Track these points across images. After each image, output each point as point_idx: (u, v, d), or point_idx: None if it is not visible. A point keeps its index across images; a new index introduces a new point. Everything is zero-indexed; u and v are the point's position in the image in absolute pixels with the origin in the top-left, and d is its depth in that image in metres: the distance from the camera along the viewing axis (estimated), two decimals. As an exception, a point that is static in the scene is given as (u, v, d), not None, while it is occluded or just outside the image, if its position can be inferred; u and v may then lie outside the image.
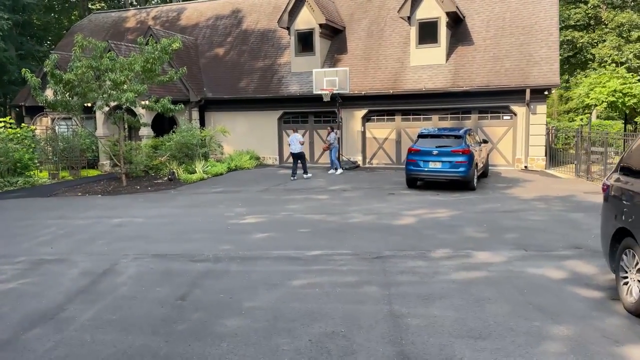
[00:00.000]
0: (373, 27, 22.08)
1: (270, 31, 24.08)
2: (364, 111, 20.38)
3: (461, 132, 14.55)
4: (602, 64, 27.52)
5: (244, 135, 21.94)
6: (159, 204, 13.19)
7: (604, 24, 29.11)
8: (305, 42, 21.46)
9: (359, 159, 20.59)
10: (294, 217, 11.08)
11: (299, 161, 17.05)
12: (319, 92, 18.90)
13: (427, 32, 19.53)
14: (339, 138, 19.59)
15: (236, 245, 8.50)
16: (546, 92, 17.82)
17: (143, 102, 16.41)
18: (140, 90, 14.91)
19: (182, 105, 16.52)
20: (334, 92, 18.60)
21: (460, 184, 14.21)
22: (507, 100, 18.24)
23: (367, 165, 20.68)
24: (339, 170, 17.99)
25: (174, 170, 17.78)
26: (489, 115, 18.89)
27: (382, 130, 20.47)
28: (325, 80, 18.74)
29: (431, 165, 13.99)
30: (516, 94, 17.92)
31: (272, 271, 6.91)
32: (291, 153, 17.21)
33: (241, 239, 8.96)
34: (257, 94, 21.60)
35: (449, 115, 19.42)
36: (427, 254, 7.62)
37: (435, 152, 13.93)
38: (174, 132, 20.44)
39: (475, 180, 14.15)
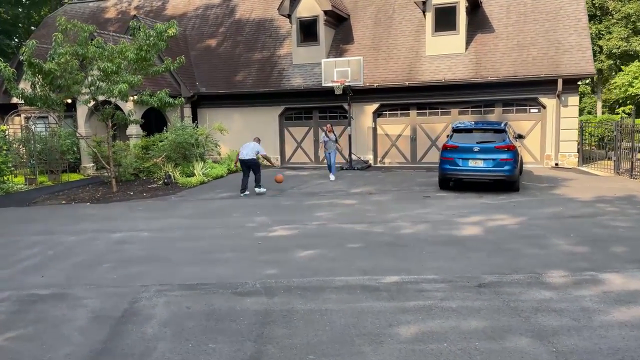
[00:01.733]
0: (380, 14, 20.39)
1: (266, 20, 22.19)
2: (375, 105, 18.68)
3: (502, 125, 12.97)
4: (611, 56, 26.41)
5: (241, 134, 19.89)
6: (162, 214, 11.24)
7: (610, 14, 28.04)
8: (308, 31, 19.64)
9: (369, 157, 18.88)
10: (330, 227, 9.30)
11: (253, 170, 13.30)
12: (329, 85, 17.14)
13: (445, 19, 17.94)
14: (350, 135, 17.87)
15: (282, 268, 6.68)
16: (579, 82, 16.39)
17: (134, 97, 14.38)
18: (135, 82, 12.91)
19: (182, 99, 14.52)
20: (346, 84, 16.84)
21: (503, 185, 12.62)
22: (535, 92, 16.77)
23: (378, 165, 18.99)
24: (332, 177, 15.25)
25: (170, 173, 15.78)
26: (515, 108, 17.39)
27: (395, 127, 18.80)
28: (336, 71, 16.98)
29: (471, 163, 12.36)
30: (546, 84, 16.45)
31: (355, 310, 5.12)
32: (240, 160, 13.39)
33: (284, 259, 7.14)
34: (256, 88, 19.71)
35: (470, 109, 17.86)
36: (541, 279, 5.93)
37: (476, 149, 12.29)
38: (165, 131, 18.46)
39: (519, 180, 12.58)
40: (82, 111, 18.31)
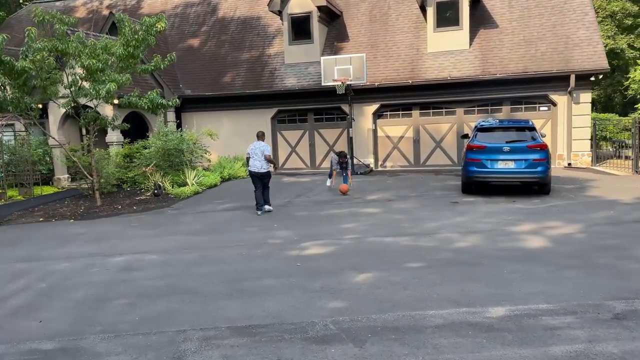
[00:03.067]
0: (375, 11, 19.35)
1: (253, 18, 20.85)
2: (375, 106, 17.57)
3: (530, 123, 12.01)
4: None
5: (230, 139, 18.54)
6: (164, 230, 9.77)
7: (596, 12, 27.78)
8: (300, 28, 18.40)
9: (370, 161, 17.74)
10: (370, 241, 8.07)
11: (264, 184, 10.94)
12: (330, 84, 15.94)
13: (447, 14, 17.02)
14: (351, 138, 16.71)
15: (347, 300, 5.41)
16: (592, 78, 15.68)
17: (120, 99, 12.81)
18: (123, 81, 11.39)
19: (177, 100, 13.02)
20: (348, 82, 15.67)
21: (533, 187, 11.66)
22: (545, 89, 15.97)
23: (379, 169, 17.87)
24: (328, 182, 13.80)
25: (160, 184, 14.23)
26: (523, 106, 16.56)
27: (396, 128, 17.73)
28: (337, 69, 15.80)
29: (500, 165, 11.34)
30: (557, 80, 15.68)
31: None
32: (251, 172, 10.95)
33: (341, 286, 5.87)
34: (246, 89, 18.34)
35: (476, 108, 16.95)
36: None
37: (506, 149, 11.28)
38: (147, 137, 16.91)
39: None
40: (55, 117, 16.54)
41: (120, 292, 6.17)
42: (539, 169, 11.15)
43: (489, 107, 16.84)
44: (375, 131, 17.81)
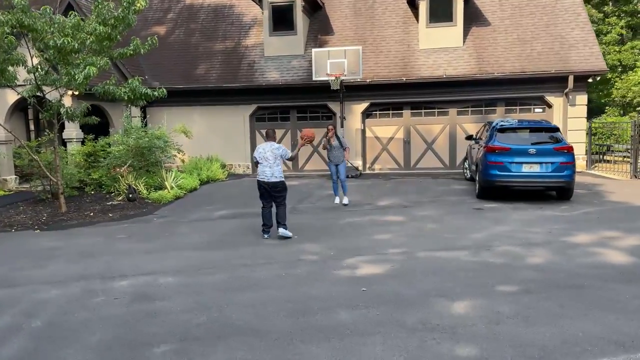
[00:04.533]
0: (359, 4, 18.31)
1: (225, 6, 19.26)
2: (364, 105, 16.49)
3: (552, 124, 11.32)
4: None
5: (203, 137, 16.89)
6: (161, 244, 8.19)
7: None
8: (282, 18, 17.03)
9: (358, 163, 16.63)
10: (425, 257, 6.93)
11: (276, 199, 8.32)
12: (323, 79, 14.71)
13: (440, 9, 16.23)
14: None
15: (477, 343, 4.23)
16: (590, 80, 15.35)
17: (95, 87, 10.97)
18: (101, 65, 9.62)
19: (164, 90, 11.27)
20: (343, 77, 14.50)
21: (559, 192, 10.96)
22: (542, 90, 15.49)
23: (367, 172, 16.80)
24: (338, 200, 11.18)
25: (134, 187, 12.45)
26: (518, 107, 16.02)
27: (386, 128, 16.73)
28: (329, 63, 14.59)
29: (525, 168, 10.53)
30: (554, 81, 15.23)
31: None
32: (260, 182, 8.27)
33: (449, 322, 4.68)
34: (222, 83, 16.73)
35: (469, 108, 16.25)
36: None
37: (532, 151, 10.49)
38: (110, 134, 15.06)
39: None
40: (1, 107, 14.31)
41: (153, 332, 4.67)
42: (565, 172, 10.44)
43: (483, 108, 16.18)
44: (364, 131, 16.73)
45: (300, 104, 16.82)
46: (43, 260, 7.44)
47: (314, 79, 14.92)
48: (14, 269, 7.04)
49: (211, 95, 17.03)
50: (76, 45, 9.20)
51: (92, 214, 10.96)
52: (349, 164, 15.93)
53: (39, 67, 9.70)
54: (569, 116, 15.42)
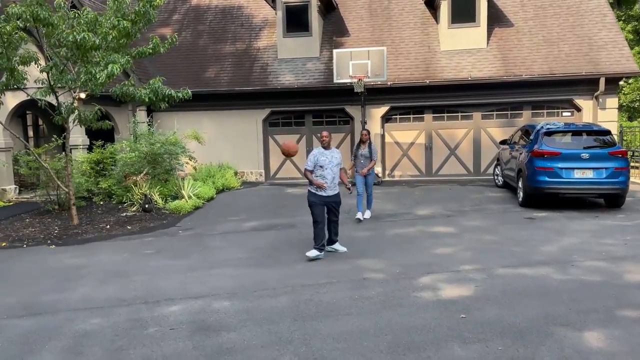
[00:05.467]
0: (375, 5, 17.63)
1: (233, 7, 18.47)
2: (384, 109, 15.75)
3: (602, 127, 10.68)
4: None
5: (213, 143, 15.96)
6: (199, 260, 7.33)
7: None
8: (296, 19, 16.27)
9: (378, 170, 15.81)
10: (509, 275, 6.18)
11: (334, 213, 7.40)
12: (345, 81, 13.96)
13: (463, 9, 15.58)
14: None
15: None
16: (621, 82, 14.78)
17: (112, 89, 10.09)
18: (123, 64, 8.75)
19: (189, 92, 10.41)
20: (367, 80, 13.77)
21: (611, 200, 10.30)
22: (570, 92, 14.88)
23: (387, 179, 16.03)
24: (360, 215, 9.76)
25: (150, 196, 11.54)
26: (545, 111, 15.39)
27: (406, 133, 16.00)
28: (352, 64, 13.84)
29: (577, 174, 9.84)
30: (583, 84, 14.63)
31: None
32: (321, 198, 7.18)
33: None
34: (234, 86, 15.89)
35: (494, 112, 15.58)
36: None
37: (585, 156, 9.81)
38: (116, 140, 14.18)
39: (624, 194, 10.34)
40: (3, 110, 13.33)
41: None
42: (620, 179, 9.78)
43: (509, 112, 15.53)
44: (383, 136, 15.98)
45: (316, 107, 16.04)
46: (69, 281, 6.53)
47: (335, 81, 14.15)
48: (38, 292, 6.13)
49: (222, 100, 16.17)
50: (97, 41, 8.32)
51: (107, 226, 10.04)
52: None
53: (53, 65, 8.77)
54: (599, 120, 14.80)
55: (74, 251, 8.22)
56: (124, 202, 12.11)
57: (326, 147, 7.28)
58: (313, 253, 7.10)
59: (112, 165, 13.08)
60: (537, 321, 4.64)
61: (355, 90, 13.78)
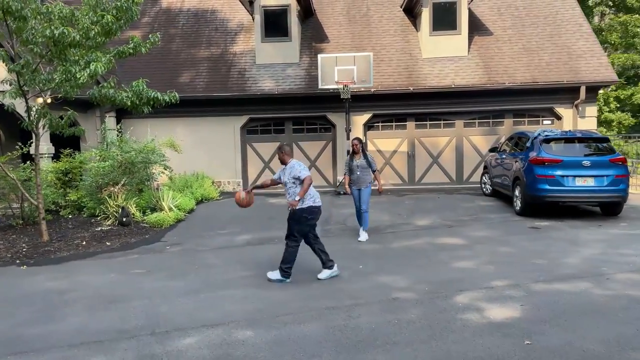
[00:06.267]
0: (353, 11, 17.30)
1: (206, 11, 17.73)
2: (366, 116, 15.35)
3: (600, 134, 10.59)
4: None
5: (188, 152, 15.01)
6: (199, 280, 6.61)
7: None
8: (275, 24, 15.69)
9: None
10: (549, 291, 5.79)
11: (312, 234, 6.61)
12: (330, 87, 13.52)
13: (444, 16, 15.44)
14: (348, 151, 14.24)
15: None
16: (601, 91, 14.95)
17: (90, 91, 9.19)
18: (105, 63, 7.93)
19: (177, 95, 9.59)
20: (354, 86, 13.34)
21: (608, 208, 10.19)
22: (552, 101, 14.93)
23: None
24: (363, 235, 8.78)
25: (127, 209, 10.63)
26: (526, 119, 15.38)
27: (389, 141, 15.64)
28: (337, 70, 13.40)
29: (579, 182, 9.67)
30: (564, 92, 14.71)
31: None
32: (311, 209, 6.42)
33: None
34: (212, 92, 15.13)
35: (476, 120, 15.46)
36: None
37: (586, 163, 9.66)
38: (82, 149, 13.20)
39: (620, 202, 10.26)
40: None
41: None
42: (621, 186, 9.68)
43: (491, 120, 15.44)
44: (365, 144, 15.53)
45: (297, 114, 15.47)
46: (55, 308, 5.68)
47: (320, 87, 13.65)
48: (20, 323, 5.27)
49: (198, 106, 15.34)
50: (77, 37, 7.47)
51: (83, 242, 9.10)
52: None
53: (25, 64, 7.83)
54: (579, 128, 14.89)
55: (50, 272, 7.30)
56: (97, 216, 11.13)
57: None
58: (275, 275, 6.41)
59: (81, 176, 12.06)
60: (611, 345, 4.22)
61: (342, 97, 13.32)
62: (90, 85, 9.62)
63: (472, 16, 16.25)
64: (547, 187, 9.75)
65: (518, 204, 10.52)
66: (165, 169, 12.57)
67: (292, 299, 5.71)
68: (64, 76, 7.69)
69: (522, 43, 15.67)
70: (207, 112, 15.44)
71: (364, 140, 15.23)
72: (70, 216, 11.60)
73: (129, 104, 8.78)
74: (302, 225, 6.32)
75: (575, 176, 9.65)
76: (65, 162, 12.14)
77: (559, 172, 9.69)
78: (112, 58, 8.25)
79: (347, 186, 9.01)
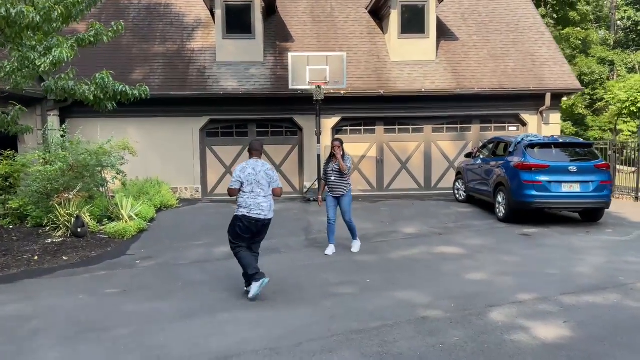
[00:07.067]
0: (317, 10, 16.74)
1: (160, 5, 16.59)
2: (335, 119, 14.78)
3: (582, 140, 10.55)
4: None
5: (141, 155, 13.70)
6: (188, 301, 5.72)
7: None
8: (238, 20, 14.82)
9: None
10: (575, 305, 5.43)
11: (257, 242, 6.11)
12: (303, 87, 12.85)
13: (412, 20, 15.19)
14: (318, 155, 13.64)
15: None
16: (565, 98, 15.15)
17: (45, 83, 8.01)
18: (68, 48, 6.88)
19: (147, 88, 8.53)
20: (328, 87, 12.75)
21: (590, 214, 10.14)
22: (518, 107, 14.99)
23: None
24: (330, 249, 7.93)
25: (83, 218, 9.44)
26: (493, 125, 15.37)
27: (357, 146, 15.12)
28: (309, 69, 12.73)
29: (565, 188, 9.54)
30: (530, 99, 14.80)
31: None
32: (253, 220, 5.78)
33: None
34: (167, 91, 14.04)
35: (445, 126, 15.27)
36: None
37: (572, 169, 9.53)
38: (18, 150, 11.85)
39: (602, 209, 10.25)
40: None
41: None
42: (605, 192, 9.63)
43: (459, 125, 15.31)
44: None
45: (261, 117, 14.65)
46: (21, 340, 4.65)
47: (290, 87, 12.91)
48: None
49: (152, 105, 14.02)
50: (38, 18, 6.38)
51: (35, 257, 7.89)
52: (313, 187, 14.03)
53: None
54: (544, 135, 15.03)
55: (3, 293, 6.14)
56: (45, 226, 9.83)
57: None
58: (255, 289, 5.68)
59: (23, 180, 10.69)
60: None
61: (315, 98, 12.68)
62: (44, 77, 8.42)
63: (437, 21, 16.08)
64: (535, 193, 9.53)
65: (501, 210, 10.26)
66: (118, 174, 11.38)
67: (309, 322, 4.98)
68: (20, 64, 6.54)
69: (488, 49, 15.67)
70: (162, 112, 14.30)
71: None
72: (11, 226, 10.20)
73: (92, 98, 7.74)
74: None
75: (562, 182, 9.49)
76: (5, 165, 10.69)
77: (546, 178, 9.51)
78: (74, 44, 7.16)
79: (320, 195, 8.23)
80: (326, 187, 8.10)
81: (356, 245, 8.05)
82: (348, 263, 7.25)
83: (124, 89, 7.90)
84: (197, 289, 6.16)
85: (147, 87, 8.54)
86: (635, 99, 13.91)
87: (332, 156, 8.00)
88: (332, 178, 7.93)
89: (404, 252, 7.86)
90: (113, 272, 7.07)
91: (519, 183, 9.68)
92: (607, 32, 36.64)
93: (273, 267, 6.98)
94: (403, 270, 6.82)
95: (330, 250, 7.93)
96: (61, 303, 5.71)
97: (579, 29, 26.41)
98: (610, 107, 15.85)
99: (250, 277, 5.70)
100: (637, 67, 29.49)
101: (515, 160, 9.97)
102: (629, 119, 15.55)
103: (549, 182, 9.50)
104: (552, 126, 15.09)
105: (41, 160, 10.71)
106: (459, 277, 6.43)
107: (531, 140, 10.12)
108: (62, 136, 11.32)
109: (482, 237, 8.87)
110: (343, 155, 7.91)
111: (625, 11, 33.35)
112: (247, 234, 5.82)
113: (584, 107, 27.34)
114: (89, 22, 14.98)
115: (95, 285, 6.40)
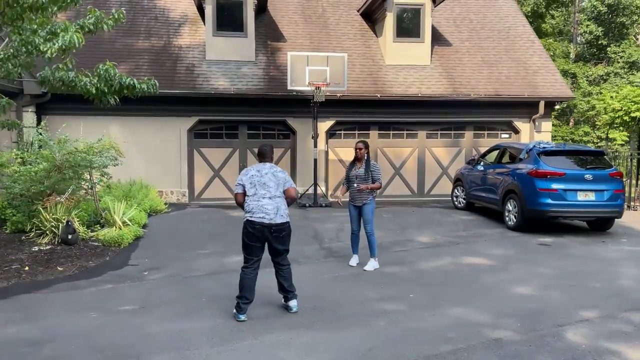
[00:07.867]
0: (308, 11, 16.26)
1: (144, -1, 15.71)
2: (329, 123, 14.30)
3: (595, 148, 10.42)
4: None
5: (127, 157, 13.00)
6: (221, 319, 5.10)
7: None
8: (229, 17, 14.16)
9: (322, 190, 14.27)
10: (641, 320, 5.05)
11: (278, 252, 5.48)
12: (302, 89, 12.36)
13: (407, 24, 14.93)
14: (315, 160, 13.13)
15: None
16: (557, 106, 15.17)
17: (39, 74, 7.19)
18: (75, 32, 6.12)
19: (156, 83, 7.79)
20: (328, 88, 12.27)
21: (600, 224, 10.01)
22: (511, 115, 14.91)
23: (331, 199, 14.51)
24: (355, 260, 7.47)
25: (73, 224, 8.58)
26: (486, 132, 15.23)
27: (351, 151, 14.40)
28: (309, 70, 12.23)
29: (580, 196, 9.35)
30: (524, 106, 14.76)
31: None
32: (257, 225, 5.24)
33: None
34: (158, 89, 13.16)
35: (439, 132, 15.03)
36: None
37: (588, 177, 9.36)
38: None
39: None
40: None
41: None
42: (619, 202, 9.53)
43: (452, 132, 15.09)
44: (327, 153, 14.47)
45: (253, 118, 14.01)
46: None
47: (289, 87, 12.37)
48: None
49: (137, 103, 13.16)
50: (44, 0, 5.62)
51: (25, 267, 7.05)
52: (321, 191, 13.54)
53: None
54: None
55: (1, 311, 5.33)
56: (27, 231, 8.92)
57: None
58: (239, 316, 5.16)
59: None
60: None
61: (315, 100, 12.18)
62: (37, 68, 7.58)
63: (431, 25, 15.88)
64: (550, 201, 9.31)
65: (512, 218, 10.00)
66: (103, 176, 10.53)
67: (372, 345, 4.46)
68: (17, 50, 5.76)
69: (481, 55, 15.55)
70: (148, 111, 13.45)
71: (326, 149, 14.21)
72: (-11, 232, 9.22)
73: (94, 91, 6.97)
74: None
75: (577, 190, 9.31)
76: (-21, 164, 9.68)
77: (561, 186, 9.30)
78: (79, 30, 6.41)
79: (340, 197, 7.69)
80: (350, 194, 7.54)
81: (371, 265, 7.22)
82: (378, 275, 6.77)
83: (131, 82, 7.17)
84: (224, 305, 5.53)
85: (156, 81, 7.79)
86: (629, 108, 14.06)
87: (356, 160, 7.46)
88: (355, 185, 7.33)
89: (431, 262, 7.44)
90: (120, 285, 6.33)
91: (533, 191, 9.44)
92: (570, 44, 37.61)
93: (299, 278, 6.40)
94: (443, 284, 6.38)
95: (354, 261, 7.42)
96: (73, 323, 4.97)
97: (550, 40, 26.87)
98: (602, 116, 16.04)
99: (237, 298, 5.17)
100: (597, 79, 30.26)
101: (528, 167, 9.74)
102: (621, 128, 15.78)
103: (565, 190, 9.29)
104: (544, 134, 15.08)
105: (19, 160, 9.78)
106: (506, 292, 6.04)
107: (544, 147, 9.91)
108: (39, 134, 10.38)
109: (502, 247, 8.55)
110: (368, 160, 7.38)
111: (587, 25, 34.30)
112: (256, 243, 5.27)
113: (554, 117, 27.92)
114: (67, 15, 14.09)
115: (104, 301, 5.67)
